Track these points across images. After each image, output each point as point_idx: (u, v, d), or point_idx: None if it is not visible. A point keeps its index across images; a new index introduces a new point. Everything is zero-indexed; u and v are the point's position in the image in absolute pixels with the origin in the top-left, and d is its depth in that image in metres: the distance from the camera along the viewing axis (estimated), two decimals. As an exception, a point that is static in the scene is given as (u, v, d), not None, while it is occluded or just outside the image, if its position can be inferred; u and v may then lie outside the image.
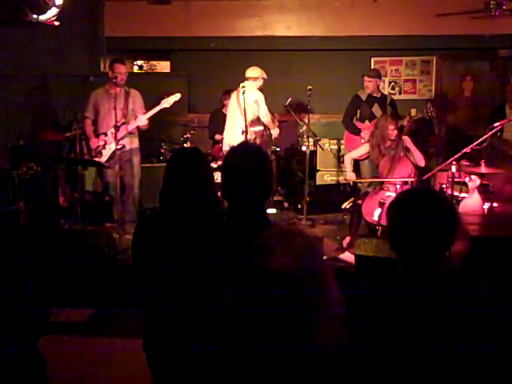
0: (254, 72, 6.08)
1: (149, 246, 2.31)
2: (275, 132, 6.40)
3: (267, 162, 2.31)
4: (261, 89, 6.05)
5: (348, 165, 5.66)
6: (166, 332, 2.26)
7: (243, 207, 2.19)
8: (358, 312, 1.64)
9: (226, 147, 5.94)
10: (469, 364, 1.56)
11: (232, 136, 5.89)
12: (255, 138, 5.95)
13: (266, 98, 6.07)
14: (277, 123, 6.64)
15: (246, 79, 6.02)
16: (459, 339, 1.56)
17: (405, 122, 5.41)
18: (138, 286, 2.40)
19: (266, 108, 6.03)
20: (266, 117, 6.08)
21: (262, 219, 2.21)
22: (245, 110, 5.64)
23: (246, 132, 5.69)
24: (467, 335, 1.56)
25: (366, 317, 1.63)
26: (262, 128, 6.18)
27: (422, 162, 5.25)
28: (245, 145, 2.65)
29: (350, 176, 5.59)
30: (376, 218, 5.05)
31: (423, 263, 1.65)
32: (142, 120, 5.71)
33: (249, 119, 5.87)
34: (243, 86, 5.72)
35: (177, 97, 5.77)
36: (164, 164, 7.08)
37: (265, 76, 6.12)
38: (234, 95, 6.18)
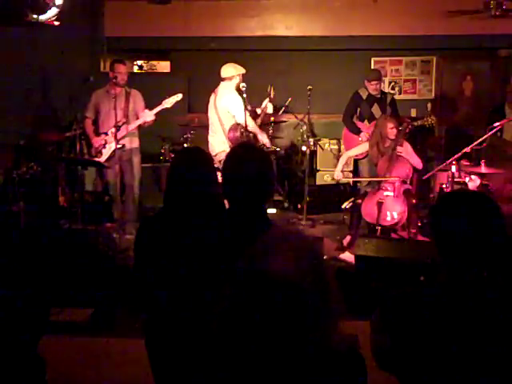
0: (228, 71, 5.68)
1: (151, 246, 2.31)
2: (263, 138, 5.79)
3: (268, 163, 2.30)
4: (238, 87, 5.63)
5: (341, 163, 5.60)
6: (167, 331, 2.26)
7: (244, 207, 2.19)
8: (403, 317, 1.60)
9: (211, 152, 5.72)
10: None
11: (215, 143, 5.75)
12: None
13: (266, 99, 6.04)
14: (260, 120, 6.19)
15: (222, 80, 5.73)
16: (507, 344, 1.52)
17: (404, 125, 5.41)
18: (139, 286, 2.40)
19: (242, 114, 5.52)
20: (248, 123, 5.56)
21: (262, 219, 2.21)
22: (245, 109, 5.60)
23: (246, 132, 5.66)
24: None
25: (411, 321, 1.59)
26: (238, 134, 5.60)
27: (419, 166, 5.29)
28: (246, 145, 2.65)
29: (338, 175, 5.51)
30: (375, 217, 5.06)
31: (469, 267, 1.60)
32: (149, 115, 5.65)
33: (226, 126, 5.65)
34: (243, 86, 5.68)
35: (178, 97, 5.74)
36: (164, 164, 7.00)
37: (242, 71, 5.70)
38: (211, 98, 5.84)
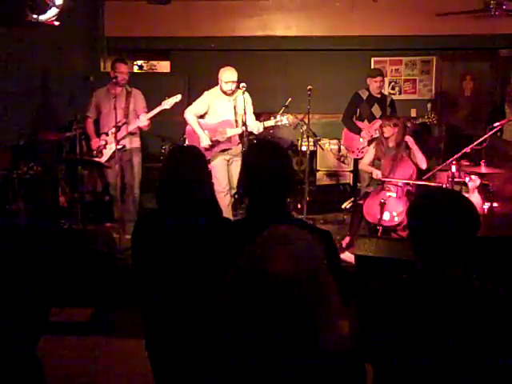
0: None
1: (147, 244, 2.31)
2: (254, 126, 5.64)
3: (287, 159, 2.25)
4: (223, 91, 5.65)
5: (368, 168, 5.55)
6: (166, 331, 2.26)
7: (265, 205, 2.13)
8: (373, 310, 1.64)
9: None
10: (487, 370, 1.53)
11: None
12: None
13: (266, 98, 6.03)
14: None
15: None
16: (475, 343, 1.53)
17: (409, 126, 5.41)
18: (137, 285, 2.40)
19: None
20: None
21: (283, 216, 2.14)
22: (245, 110, 5.59)
23: (246, 132, 5.64)
24: (483, 339, 1.53)
25: (382, 312, 1.62)
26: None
27: (423, 164, 5.25)
28: (264, 142, 2.63)
29: (377, 173, 5.37)
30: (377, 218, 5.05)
31: (442, 264, 1.62)
32: (143, 121, 5.70)
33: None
34: (243, 86, 5.67)
35: (177, 98, 5.72)
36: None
37: (223, 77, 5.56)
38: None
